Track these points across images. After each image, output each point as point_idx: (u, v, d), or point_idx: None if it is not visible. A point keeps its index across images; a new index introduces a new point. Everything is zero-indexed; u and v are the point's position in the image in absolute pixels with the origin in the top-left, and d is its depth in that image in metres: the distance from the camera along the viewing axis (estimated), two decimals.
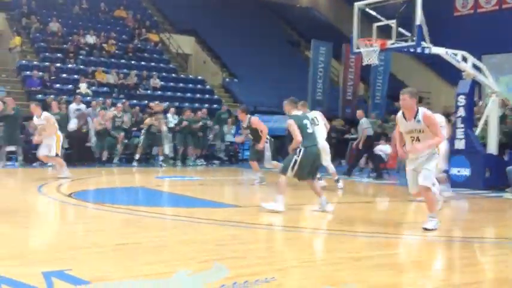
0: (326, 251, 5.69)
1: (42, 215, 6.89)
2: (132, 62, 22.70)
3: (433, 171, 6.45)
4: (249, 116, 11.32)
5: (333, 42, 23.18)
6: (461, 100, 12.23)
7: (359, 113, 14.73)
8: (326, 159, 10.64)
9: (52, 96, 17.76)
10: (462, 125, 12.16)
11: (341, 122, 20.76)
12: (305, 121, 7.79)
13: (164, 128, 16.58)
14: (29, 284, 3.81)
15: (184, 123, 17.01)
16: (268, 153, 11.45)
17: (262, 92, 23.14)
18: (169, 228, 6.65)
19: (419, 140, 6.31)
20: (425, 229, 6.33)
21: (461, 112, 12.19)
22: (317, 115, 10.92)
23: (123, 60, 22.62)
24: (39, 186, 10.01)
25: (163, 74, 22.89)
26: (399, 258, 5.45)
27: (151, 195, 10.30)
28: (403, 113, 6.44)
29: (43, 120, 11.46)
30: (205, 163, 17.69)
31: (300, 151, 7.53)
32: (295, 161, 7.52)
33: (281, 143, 21.40)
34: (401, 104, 6.36)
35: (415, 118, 6.31)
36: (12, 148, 14.63)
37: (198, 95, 22.58)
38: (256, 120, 11.28)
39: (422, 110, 6.35)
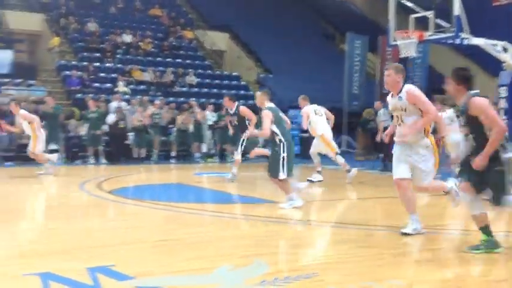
0: (368, 247, 5.63)
1: (84, 212, 7.04)
2: (168, 59, 22.93)
3: (432, 170, 5.83)
4: (237, 103, 11.43)
5: (369, 35, 22.90)
6: (503, 91, 11.95)
7: (377, 104, 14.55)
8: (328, 150, 11.04)
9: (91, 95, 18.10)
10: (505, 117, 11.87)
11: (371, 111, 20.24)
12: (281, 114, 7.62)
13: (191, 126, 16.71)
14: (75, 279, 3.90)
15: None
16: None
17: (297, 87, 23.00)
18: (209, 224, 6.71)
19: (402, 121, 5.71)
20: (404, 234, 5.69)
21: (503, 104, 11.92)
22: (318, 107, 11.21)
23: (159, 58, 22.87)
24: (81, 184, 10.23)
25: (199, 70, 23.04)
26: (442, 254, 5.37)
27: (190, 191, 10.40)
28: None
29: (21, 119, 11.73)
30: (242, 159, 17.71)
31: (283, 146, 7.20)
32: (283, 158, 7.17)
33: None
34: (386, 80, 5.93)
35: (398, 95, 5.79)
36: (54, 146, 14.98)
37: (233, 91, 22.65)
38: (245, 109, 11.29)
39: (408, 87, 5.79)
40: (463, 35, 11.79)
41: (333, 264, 4.67)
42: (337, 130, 19.88)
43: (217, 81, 22.93)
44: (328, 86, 24.05)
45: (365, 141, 18.74)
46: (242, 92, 22.95)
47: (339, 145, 20.32)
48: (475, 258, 4.85)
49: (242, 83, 23.78)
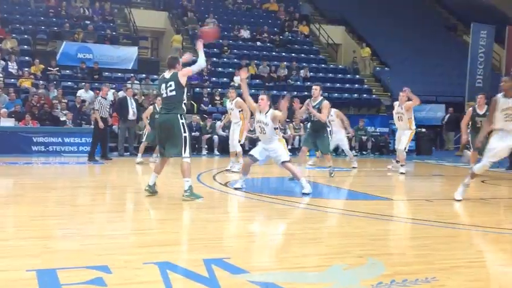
0: (491, 251, 5.27)
1: (201, 204, 7.26)
2: (283, 54, 23.09)
3: None
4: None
5: (495, 25, 21.50)
6: None
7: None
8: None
9: (208, 89, 18.69)
10: None
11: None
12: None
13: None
14: (192, 270, 4.01)
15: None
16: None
17: (416, 80, 22.20)
18: (323, 220, 6.63)
19: None
20: None
21: None
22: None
23: (274, 53, 23.10)
24: (198, 175, 10.57)
25: (313, 64, 22.97)
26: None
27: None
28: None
29: None
30: (356, 154, 17.44)
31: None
32: None
33: (435, 133, 20.48)
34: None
35: None
36: None
37: (347, 85, 22.32)
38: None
39: None
40: None
41: (454, 268, 4.41)
42: (458, 126, 18.98)
43: (331, 75, 22.72)
44: (448, 79, 22.97)
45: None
46: (357, 85, 22.56)
47: (457, 141, 19.43)
48: None
49: (357, 76, 23.35)
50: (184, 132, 7.22)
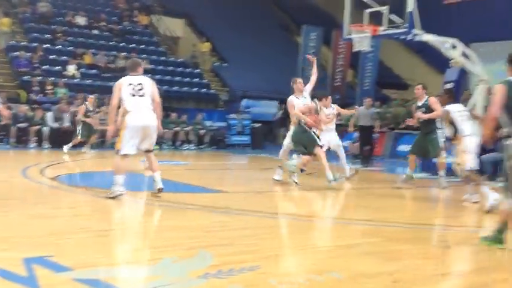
0: (313, 239, 5.69)
1: (24, 199, 6.82)
2: (121, 44, 22.47)
3: None
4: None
5: (324, 28, 23.09)
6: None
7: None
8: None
9: (39, 77, 17.59)
10: None
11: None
12: None
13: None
14: (8, 270, 3.76)
15: None
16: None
17: (252, 77, 23.04)
18: (155, 213, 6.61)
19: None
20: None
21: None
22: None
23: (112, 43, 22.39)
24: (23, 169, 9.91)
25: (153, 56, 22.69)
26: (382, 246, 5.46)
27: (136, 179, 10.23)
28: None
29: None
30: (193, 147, 17.66)
31: None
32: None
33: (268, 128, 21.46)
34: None
35: None
36: None
37: (187, 79, 22.43)
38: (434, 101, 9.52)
39: None
40: (415, 31, 11.99)
41: (277, 256, 4.68)
42: (285, 124, 20.08)
43: (170, 68, 22.64)
44: (282, 78, 24.08)
45: None
46: (196, 80, 22.76)
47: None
48: (420, 252, 4.96)
49: (196, 71, 23.56)
50: None
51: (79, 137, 14.43)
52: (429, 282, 4.09)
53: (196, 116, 18.69)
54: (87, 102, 15.02)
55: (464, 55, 12.62)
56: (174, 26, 26.02)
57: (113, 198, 6.82)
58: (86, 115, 14.61)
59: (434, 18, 19.06)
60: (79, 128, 14.54)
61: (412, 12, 11.63)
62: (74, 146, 14.44)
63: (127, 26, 23.96)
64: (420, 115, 9.39)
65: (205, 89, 22.39)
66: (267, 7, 31.24)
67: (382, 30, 12.20)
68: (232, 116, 19.43)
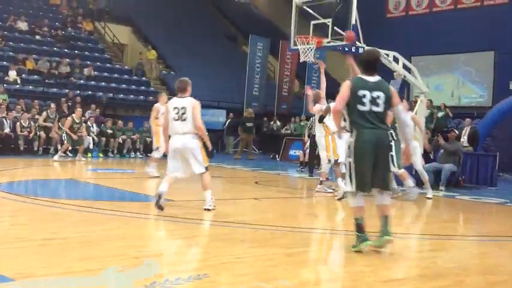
0: (259, 247, 5.71)
1: None
2: (65, 50, 21.98)
3: None
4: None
5: (271, 38, 23.35)
6: None
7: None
8: None
9: None
10: None
11: (250, 111, 20.42)
12: None
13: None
14: None
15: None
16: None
17: (200, 86, 22.91)
18: (100, 222, 6.47)
19: None
20: None
21: None
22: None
23: (55, 48, 21.86)
24: None
25: (98, 63, 22.30)
26: (331, 254, 5.56)
27: (81, 188, 10.02)
28: None
29: None
30: (141, 156, 17.42)
31: None
32: None
33: (217, 137, 21.45)
34: None
35: None
36: None
37: (133, 87, 22.15)
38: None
39: None
40: (358, 43, 12.30)
41: (225, 264, 4.68)
42: (237, 131, 20.16)
43: (116, 75, 22.30)
44: (229, 87, 24.19)
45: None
46: (143, 87, 22.51)
47: (236, 145, 20.71)
48: (366, 258, 5.06)
49: (143, 78, 23.31)
50: None
51: (65, 142, 15.01)
52: None
53: (144, 124, 18.41)
54: (74, 115, 15.53)
55: (406, 68, 13.06)
56: (119, 33, 25.70)
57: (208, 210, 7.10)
58: (71, 127, 15.19)
59: (377, 32, 19.64)
60: (64, 136, 15.10)
61: (355, 25, 11.93)
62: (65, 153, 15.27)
63: (71, 32, 23.47)
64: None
65: (152, 97, 22.16)
66: (214, 17, 31.34)
67: (326, 42, 12.45)
68: None
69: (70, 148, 15.50)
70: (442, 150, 12.30)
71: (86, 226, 5.99)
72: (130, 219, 6.51)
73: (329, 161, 9.62)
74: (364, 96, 5.06)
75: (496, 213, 9.50)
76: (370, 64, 5.29)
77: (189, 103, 7.18)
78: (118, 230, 5.92)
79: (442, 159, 12.13)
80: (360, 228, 5.15)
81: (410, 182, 9.08)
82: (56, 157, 14.57)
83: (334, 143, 9.43)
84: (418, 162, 9.93)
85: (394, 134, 7.99)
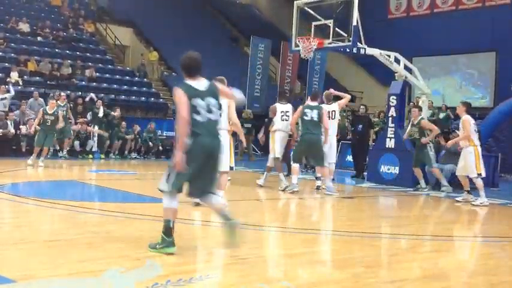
0: (262, 248, 5.72)
1: None
2: (67, 51, 22.01)
3: None
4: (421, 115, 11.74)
5: (272, 40, 23.35)
6: (393, 100, 12.59)
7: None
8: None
9: None
10: (392, 125, 12.53)
11: (247, 112, 20.32)
12: None
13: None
14: None
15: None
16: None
17: None
18: (102, 224, 6.48)
19: None
20: None
21: (392, 112, 12.55)
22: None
23: (57, 50, 21.89)
24: None
25: (99, 65, 22.32)
26: (330, 255, 5.56)
27: (83, 189, 10.03)
28: None
29: None
30: (139, 157, 17.42)
31: None
32: None
33: None
34: None
35: None
36: None
37: (135, 88, 22.16)
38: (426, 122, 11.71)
39: None
40: (359, 44, 12.31)
41: (227, 266, 4.68)
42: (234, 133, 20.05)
43: (118, 77, 22.32)
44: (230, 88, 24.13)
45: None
46: (144, 89, 22.53)
47: (237, 147, 20.63)
48: (362, 260, 5.06)
49: (145, 80, 23.32)
50: None
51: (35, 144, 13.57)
52: None
53: (147, 125, 18.36)
54: (47, 107, 14.12)
55: (407, 69, 13.06)
56: (121, 35, 25.70)
57: None
58: (44, 119, 13.58)
59: (378, 32, 19.66)
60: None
61: (357, 26, 11.95)
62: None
63: (72, 33, 23.49)
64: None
65: (154, 98, 22.21)
66: (216, 19, 31.36)
67: (327, 43, 12.46)
68: None
69: (51, 149, 14.41)
70: (443, 151, 12.29)
71: (88, 227, 6.00)
72: (133, 221, 6.52)
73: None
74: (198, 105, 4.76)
75: (498, 214, 9.49)
76: (194, 68, 5.02)
77: (224, 100, 7.08)
78: (120, 231, 5.93)
79: (444, 160, 12.13)
80: (168, 231, 4.88)
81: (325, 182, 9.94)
82: (28, 161, 12.89)
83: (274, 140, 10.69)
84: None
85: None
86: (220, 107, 5.03)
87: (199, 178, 4.81)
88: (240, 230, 4.89)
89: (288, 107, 10.82)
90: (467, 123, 9.72)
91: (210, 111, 4.83)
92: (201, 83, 4.94)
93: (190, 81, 4.93)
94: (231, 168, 7.50)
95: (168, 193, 4.90)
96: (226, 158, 7.11)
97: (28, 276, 3.92)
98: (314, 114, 9.81)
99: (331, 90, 11.25)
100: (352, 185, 12.82)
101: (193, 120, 4.73)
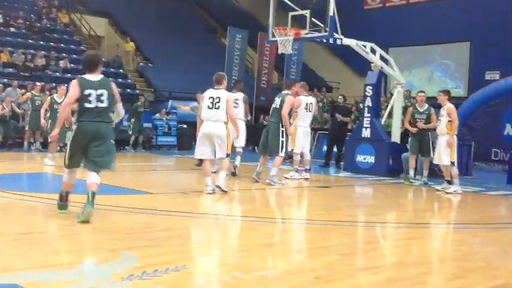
0: (237, 238, 5.74)
1: None
2: (41, 42, 21.65)
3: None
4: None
5: (249, 30, 23.29)
6: (369, 90, 12.70)
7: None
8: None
9: None
10: (368, 114, 12.64)
11: None
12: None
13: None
14: None
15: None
16: None
17: (178, 78, 22.87)
18: (75, 216, 6.41)
19: None
20: None
21: (368, 102, 12.66)
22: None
23: (30, 41, 21.53)
24: None
25: (74, 56, 22.02)
26: (305, 244, 5.60)
27: (57, 181, 9.88)
28: None
29: None
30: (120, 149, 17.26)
31: None
32: None
33: (195, 129, 21.37)
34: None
35: None
36: None
37: (110, 79, 21.91)
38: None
39: None
40: (336, 35, 12.35)
41: (203, 256, 4.69)
42: None
43: None
44: (208, 79, 24.06)
45: None
46: (120, 80, 22.31)
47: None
48: (338, 248, 5.11)
49: (121, 71, 23.09)
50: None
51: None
52: (349, 277, 4.24)
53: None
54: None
55: (383, 59, 13.16)
56: (96, 25, 25.36)
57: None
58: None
59: (355, 23, 19.73)
60: None
61: (333, 16, 11.98)
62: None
63: (46, 23, 23.11)
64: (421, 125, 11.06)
65: (130, 90, 22.00)
66: (191, 9, 31.13)
67: (304, 33, 12.48)
68: (158, 116, 19.21)
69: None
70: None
71: (62, 220, 5.94)
72: (106, 213, 6.47)
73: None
74: (89, 95, 5.70)
75: (471, 201, 9.66)
76: (94, 65, 5.93)
77: (223, 94, 8.13)
78: (94, 223, 5.87)
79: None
80: (61, 198, 6.10)
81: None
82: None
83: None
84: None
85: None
86: (112, 98, 5.92)
87: (87, 156, 5.85)
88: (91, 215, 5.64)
89: (239, 95, 10.90)
90: (454, 111, 9.87)
91: (100, 100, 5.77)
92: (96, 77, 5.87)
93: (87, 75, 5.88)
94: (227, 155, 8.13)
95: (65, 167, 6.05)
96: (226, 146, 8.03)
97: (2, 268, 3.88)
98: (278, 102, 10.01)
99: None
100: (329, 174, 12.91)
101: (83, 107, 5.72)
